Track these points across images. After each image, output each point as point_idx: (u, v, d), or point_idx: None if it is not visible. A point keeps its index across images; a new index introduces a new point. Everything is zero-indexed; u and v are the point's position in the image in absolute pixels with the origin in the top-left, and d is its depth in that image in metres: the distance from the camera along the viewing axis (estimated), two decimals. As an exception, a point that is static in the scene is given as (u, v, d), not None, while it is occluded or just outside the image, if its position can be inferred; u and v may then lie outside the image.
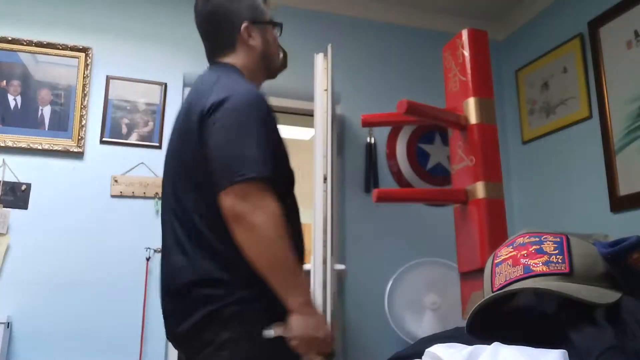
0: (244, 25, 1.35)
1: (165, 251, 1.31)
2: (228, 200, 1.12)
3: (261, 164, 1.14)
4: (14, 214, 2.45)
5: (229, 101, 1.20)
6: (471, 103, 1.87)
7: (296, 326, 1.13)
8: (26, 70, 2.61)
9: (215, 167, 1.16)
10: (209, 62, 1.44)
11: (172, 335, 1.28)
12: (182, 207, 1.25)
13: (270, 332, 1.14)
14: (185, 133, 1.29)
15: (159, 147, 2.70)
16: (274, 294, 1.14)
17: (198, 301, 1.18)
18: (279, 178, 1.19)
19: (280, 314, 1.15)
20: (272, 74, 1.45)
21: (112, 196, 2.59)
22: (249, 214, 1.11)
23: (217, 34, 1.39)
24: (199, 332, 1.18)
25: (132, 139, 2.68)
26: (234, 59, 1.37)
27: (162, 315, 1.30)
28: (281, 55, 1.49)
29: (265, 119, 1.22)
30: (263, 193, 1.13)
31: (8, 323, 2.29)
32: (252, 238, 1.12)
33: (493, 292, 0.84)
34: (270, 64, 1.43)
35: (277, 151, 1.23)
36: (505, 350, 0.72)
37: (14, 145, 2.51)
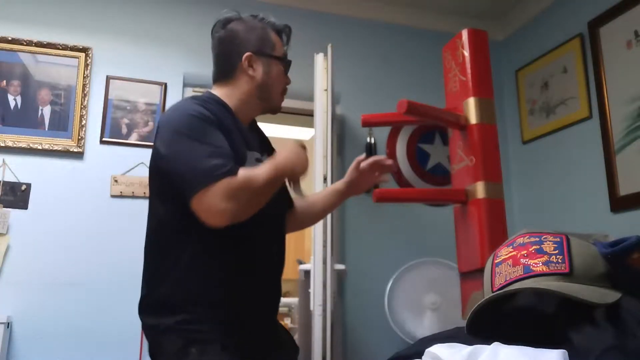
0: (246, 54, 1.41)
1: None
2: (200, 210, 1.21)
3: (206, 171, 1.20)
4: (14, 214, 2.45)
5: (161, 122, 1.33)
6: (471, 103, 1.87)
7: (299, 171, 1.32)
8: (26, 70, 2.61)
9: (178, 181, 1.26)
10: (213, 85, 1.49)
11: None
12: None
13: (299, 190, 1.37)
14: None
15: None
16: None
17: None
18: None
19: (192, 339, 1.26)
20: (270, 107, 1.48)
21: (112, 196, 2.59)
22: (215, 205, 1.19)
23: (223, 59, 1.46)
24: None
25: (132, 139, 2.68)
26: (228, 89, 1.43)
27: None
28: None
29: (206, 130, 1.27)
30: (216, 189, 1.19)
31: (8, 323, 2.29)
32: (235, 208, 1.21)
33: (493, 292, 0.84)
34: (268, 97, 1.46)
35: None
36: (505, 350, 0.72)
37: (14, 145, 2.51)
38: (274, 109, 1.49)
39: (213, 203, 1.17)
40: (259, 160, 1.37)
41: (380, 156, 1.69)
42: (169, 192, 1.30)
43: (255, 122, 1.54)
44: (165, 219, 1.35)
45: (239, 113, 1.41)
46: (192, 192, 1.18)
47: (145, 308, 1.35)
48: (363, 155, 1.69)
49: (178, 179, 1.23)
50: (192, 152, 1.22)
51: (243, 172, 1.21)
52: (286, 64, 1.49)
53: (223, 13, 1.48)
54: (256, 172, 1.23)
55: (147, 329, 1.33)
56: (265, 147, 1.51)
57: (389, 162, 1.69)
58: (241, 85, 1.42)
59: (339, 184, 1.71)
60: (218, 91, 1.44)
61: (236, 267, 1.31)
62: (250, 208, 1.23)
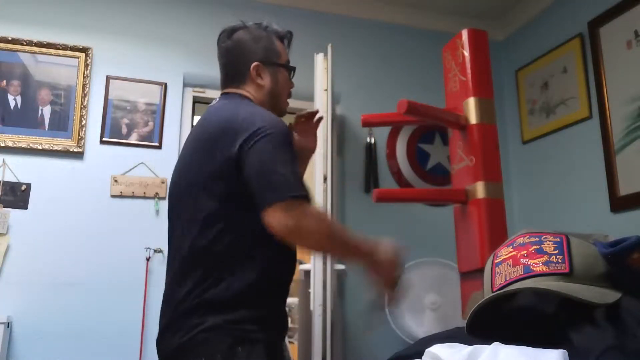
0: (254, 64, 1.47)
1: None
2: (275, 216, 1.21)
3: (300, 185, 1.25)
4: (14, 214, 2.45)
5: (265, 128, 1.30)
6: (471, 103, 1.87)
7: (377, 281, 1.33)
8: (26, 70, 2.61)
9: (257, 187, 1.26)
10: (222, 92, 1.53)
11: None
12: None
13: (374, 301, 1.35)
14: (206, 151, 1.35)
15: (159, 147, 2.70)
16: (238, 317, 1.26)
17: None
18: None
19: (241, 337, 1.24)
20: (277, 113, 1.51)
21: (112, 196, 2.59)
22: (297, 223, 1.22)
23: (231, 68, 1.51)
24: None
25: (132, 139, 2.68)
26: (245, 91, 1.49)
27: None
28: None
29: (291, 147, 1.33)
30: (303, 206, 1.23)
31: (8, 323, 2.29)
32: (309, 241, 1.28)
33: (493, 292, 0.84)
34: (276, 103, 1.52)
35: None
36: (505, 350, 0.72)
37: (14, 145, 2.51)
38: (280, 113, 1.53)
39: (299, 216, 1.21)
40: None
41: (304, 112, 1.66)
42: (240, 195, 1.29)
43: None
44: (229, 222, 1.31)
45: None
46: (280, 197, 1.21)
47: (191, 306, 1.29)
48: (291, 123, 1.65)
49: (264, 183, 1.24)
50: (284, 161, 1.26)
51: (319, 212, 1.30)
52: (291, 70, 1.55)
53: (229, 23, 1.53)
54: (340, 225, 1.32)
55: (189, 328, 1.27)
56: None
57: (312, 113, 1.66)
58: (252, 91, 1.49)
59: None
60: (240, 91, 1.49)
61: (281, 270, 1.37)
62: (303, 240, 1.26)
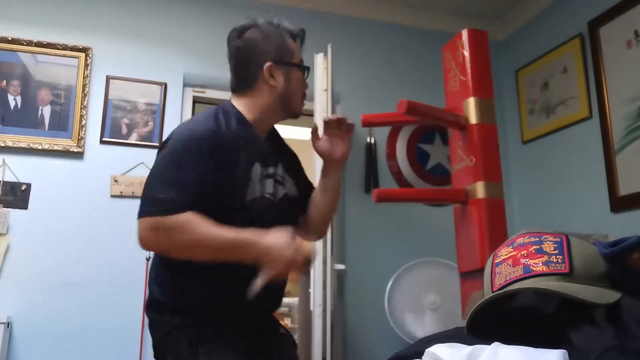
0: (267, 64, 1.40)
1: None
2: (139, 232, 1.25)
3: (163, 201, 1.25)
4: (14, 214, 2.45)
5: (169, 139, 1.37)
6: (471, 103, 1.87)
7: (268, 270, 1.23)
8: (26, 70, 2.61)
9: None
10: (231, 93, 1.48)
11: None
12: None
13: (255, 288, 1.22)
14: None
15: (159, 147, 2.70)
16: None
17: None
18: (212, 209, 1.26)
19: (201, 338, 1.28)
20: (292, 114, 1.49)
21: (112, 196, 2.59)
22: (152, 238, 1.26)
23: (242, 69, 1.45)
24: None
25: (132, 139, 2.68)
26: (249, 100, 1.43)
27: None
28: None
29: (194, 158, 1.30)
30: (156, 222, 1.24)
31: (8, 323, 2.29)
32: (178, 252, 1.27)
33: (493, 292, 0.84)
34: (289, 104, 1.46)
35: (208, 185, 1.29)
36: (505, 350, 0.72)
37: (14, 145, 2.51)
38: (295, 115, 1.49)
39: (142, 231, 1.24)
40: (269, 177, 1.39)
41: (332, 116, 1.54)
42: None
43: (274, 129, 1.54)
44: None
45: (258, 124, 1.42)
46: (139, 214, 1.26)
47: (152, 305, 1.35)
48: (316, 125, 1.56)
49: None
50: (161, 175, 1.31)
51: (190, 218, 1.22)
52: (304, 69, 1.48)
53: (230, 22, 1.48)
54: (208, 227, 1.23)
55: (152, 326, 1.34)
56: (283, 154, 1.51)
57: (340, 118, 1.51)
58: (263, 95, 1.42)
59: (324, 166, 1.58)
60: (238, 102, 1.43)
61: (233, 269, 1.29)
62: (179, 252, 1.26)
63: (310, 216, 1.56)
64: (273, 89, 1.42)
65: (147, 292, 1.41)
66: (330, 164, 1.53)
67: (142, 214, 1.25)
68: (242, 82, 1.44)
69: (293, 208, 1.48)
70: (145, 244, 1.26)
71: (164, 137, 2.72)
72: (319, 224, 1.58)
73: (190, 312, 1.31)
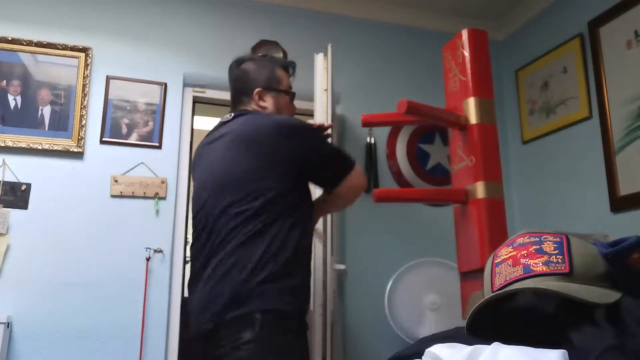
0: (256, 90, 1.74)
1: None
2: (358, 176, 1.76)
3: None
4: (14, 214, 2.45)
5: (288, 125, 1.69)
6: (471, 103, 1.87)
7: None
8: (26, 70, 2.61)
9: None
10: (232, 109, 1.80)
11: None
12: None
13: None
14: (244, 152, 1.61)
15: (159, 147, 2.70)
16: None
17: None
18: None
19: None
20: None
21: (112, 196, 2.59)
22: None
23: (239, 93, 1.79)
24: None
25: (132, 139, 2.68)
26: (249, 105, 1.78)
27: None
28: (281, 54, 1.76)
29: None
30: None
31: (8, 323, 2.29)
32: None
33: (493, 292, 0.84)
34: None
35: None
36: (505, 350, 0.72)
37: (14, 145, 2.51)
38: None
39: (359, 176, 1.71)
40: None
41: (316, 122, 2.06)
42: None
43: None
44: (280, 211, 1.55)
45: None
46: (350, 166, 1.68)
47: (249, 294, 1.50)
48: None
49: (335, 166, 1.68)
50: (328, 145, 1.81)
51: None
52: (291, 95, 1.81)
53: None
54: None
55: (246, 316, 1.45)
56: None
57: (321, 124, 1.97)
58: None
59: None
60: (251, 106, 1.79)
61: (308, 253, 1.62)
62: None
63: None
64: (264, 109, 1.74)
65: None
66: None
67: (352, 164, 1.68)
68: (240, 102, 1.77)
69: None
70: (364, 184, 1.76)
71: (164, 137, 2.75)
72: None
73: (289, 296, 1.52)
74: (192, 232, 1.66)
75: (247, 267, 1.44)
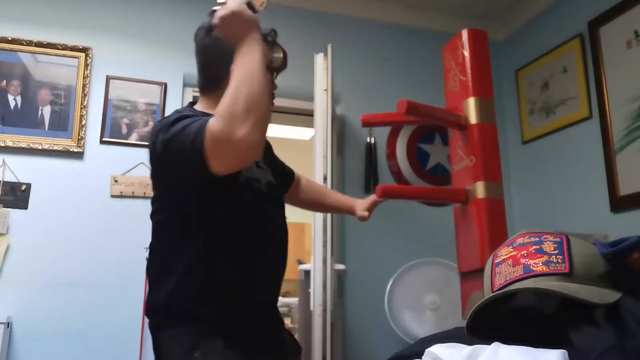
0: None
1: None
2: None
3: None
4: (14, 214, 2.45)
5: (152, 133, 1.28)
6: (471, 103, 1.87)
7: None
8: (26, 70, 2.61)
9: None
10: (200, 94, 1.44)
11: None
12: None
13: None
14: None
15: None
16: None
17: None
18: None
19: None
20: None
21: (112, 196, 2.59)
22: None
23: (208, 69, 1.39)
24: None
25: (132, 139, 2.68)
26: (215, 100, 1.25)
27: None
28: (281, 55, 1.47)
29: None
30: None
31: (8, 323, 2.29)
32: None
33: (493, 292, 0.84)
34: None
35: None
36: (505, 350, 0.72)
37: (14, 145, 2.51)
38: None
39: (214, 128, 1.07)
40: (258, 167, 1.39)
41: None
42: (174, 191, 1.30)
43: None
44: (166, 220, 1.33)
45: None
46: (202, 145, 1.09)
47: (152, 308, 1.33)
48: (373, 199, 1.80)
49: (182, 155, 1.16)
50: (183, 130, 1.15)
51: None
52: (273, 70, 1.42)
53: (207, 19, 1.38)
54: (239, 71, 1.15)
55: (151, 329, 1.32)
56: (265, 152, 1.48)
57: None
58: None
59: (354, 208, 1.81)
60: (204, 103, 1.38)
61: (237, 265, 1.30)
62: (265, 113, 1.12)
63: (302, 198, 1.77)
64: None
65: None
66: (351, 214, 1.81)
67: (201, 129, 1.09)
68: (209, 82, 1.39)
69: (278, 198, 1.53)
70: (221, 130, 1.06)
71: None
72: (307, 204, 1.81)
73: (199, 308, 1.31)
74: None
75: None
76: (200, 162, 1.09)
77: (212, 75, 1.37)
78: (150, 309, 1.33)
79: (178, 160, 1.18)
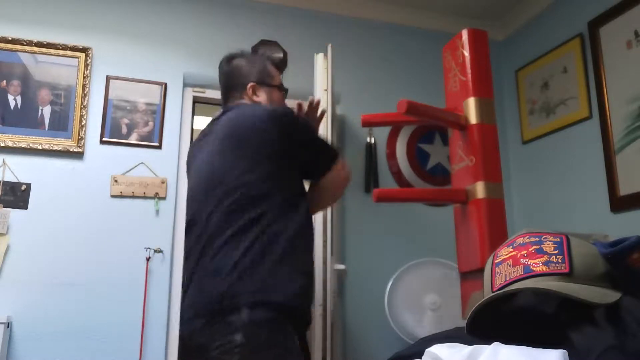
0: (250, 84, 1.71)
1: None
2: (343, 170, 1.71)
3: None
4: (14, 214, 2.45)
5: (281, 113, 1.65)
6: (471, 103, 1.87)
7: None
8: (26, 70, 2.61)
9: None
10: (223, 106, 1.75)
11: None
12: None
13: None
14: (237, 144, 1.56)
15: (159, 147, 2.70)
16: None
17: None
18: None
19: None
20: None
21: (112, 196, 2.59)
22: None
23: (231, 89, 1.75)
24: None
25: (132, 139, 2.68)
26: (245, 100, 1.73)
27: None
28: (281, 55, 1.70)
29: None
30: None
31: (8, 323, 2.29)
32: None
33: (493, 292, 0.84)
34: None
35: None
36: (505, 350, 0.72)
37: (14, 145, 2.51)
38: None
39: (344, 169, 1.68)
40: None
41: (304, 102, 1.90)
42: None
43: None
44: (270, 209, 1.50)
45: None
46: (332, 160, 1.64)
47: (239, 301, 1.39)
48: (301, 102, 1.89)
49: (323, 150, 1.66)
50: (317, 137, 1.72)
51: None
52: (283, 90, 1.80)
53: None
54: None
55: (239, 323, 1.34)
56: None
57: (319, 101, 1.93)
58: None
59: None
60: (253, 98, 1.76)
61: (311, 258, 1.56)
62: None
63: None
64: (257, 104, 1.70)
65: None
66: None
67: (337, 154, 1.65)
68: (232, 98, 1.73)
69: None
70: (349, 176, 1.73)
71: (164, 137, 2.75)
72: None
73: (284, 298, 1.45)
74: (186, 232, 1.59)
75: (228, 265, 1.37)
76: (327, 167, 1.64)
77: (233, 95, 1.75)
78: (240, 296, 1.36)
79: (315, 156, 1.64)
